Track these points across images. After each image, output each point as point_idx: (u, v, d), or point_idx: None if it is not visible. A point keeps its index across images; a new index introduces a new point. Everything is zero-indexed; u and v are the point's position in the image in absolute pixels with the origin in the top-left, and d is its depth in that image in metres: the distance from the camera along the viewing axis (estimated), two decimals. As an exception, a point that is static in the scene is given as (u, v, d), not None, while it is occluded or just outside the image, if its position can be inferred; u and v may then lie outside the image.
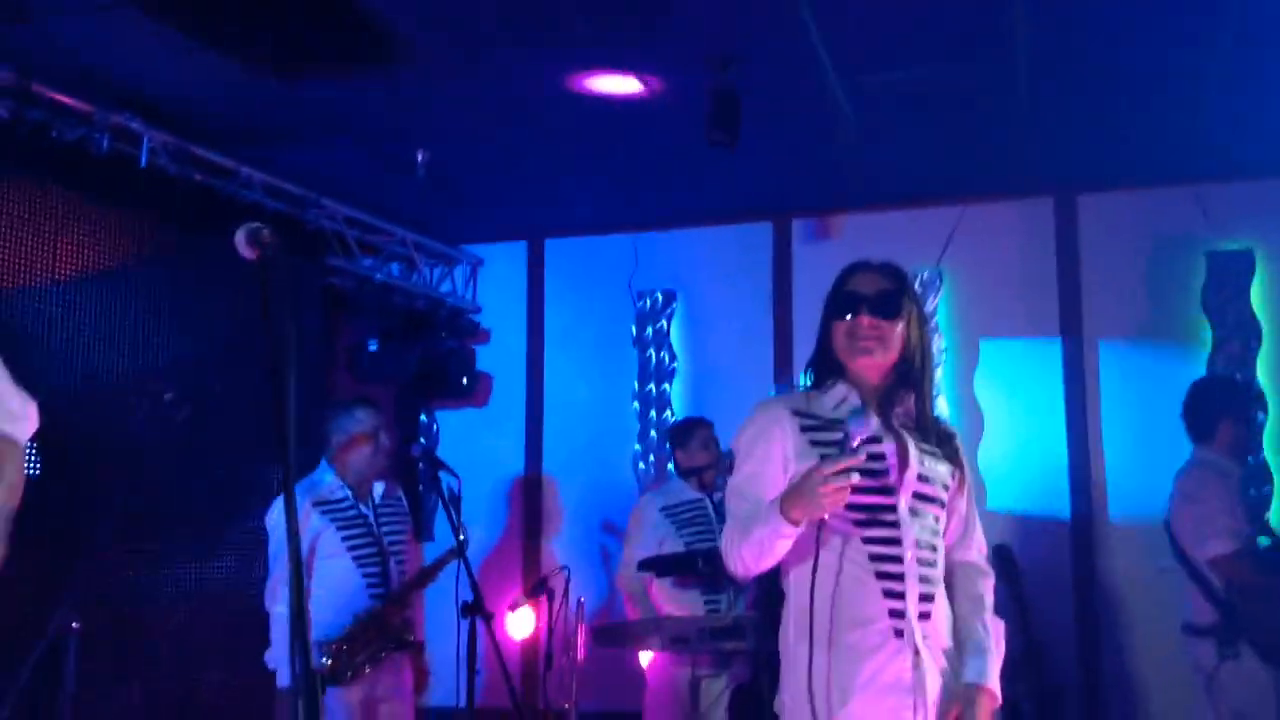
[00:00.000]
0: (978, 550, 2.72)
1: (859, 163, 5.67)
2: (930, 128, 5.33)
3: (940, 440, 2.64)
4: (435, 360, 6.54)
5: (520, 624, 5.57)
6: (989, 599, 2.67)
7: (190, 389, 4.44)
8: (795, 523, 2.38)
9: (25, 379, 3.92)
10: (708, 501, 5.04)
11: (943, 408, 6.09)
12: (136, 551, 4.36)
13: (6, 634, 3.58)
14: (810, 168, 5.90)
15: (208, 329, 4.91)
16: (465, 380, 6.69)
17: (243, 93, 4.64)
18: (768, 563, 2.49)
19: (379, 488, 4.50)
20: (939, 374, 6.14)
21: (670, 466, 5.39)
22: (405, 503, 4.59)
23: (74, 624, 3.43)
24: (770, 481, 2.51)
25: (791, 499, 2.37)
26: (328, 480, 4.40)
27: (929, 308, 6.21)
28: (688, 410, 6.38)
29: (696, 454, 5.10)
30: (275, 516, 4.20)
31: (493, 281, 7.14)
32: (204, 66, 4.27)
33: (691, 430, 5.19)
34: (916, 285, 4.08)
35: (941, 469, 2.58)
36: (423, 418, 6.96)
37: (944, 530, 2.60)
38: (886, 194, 6.25)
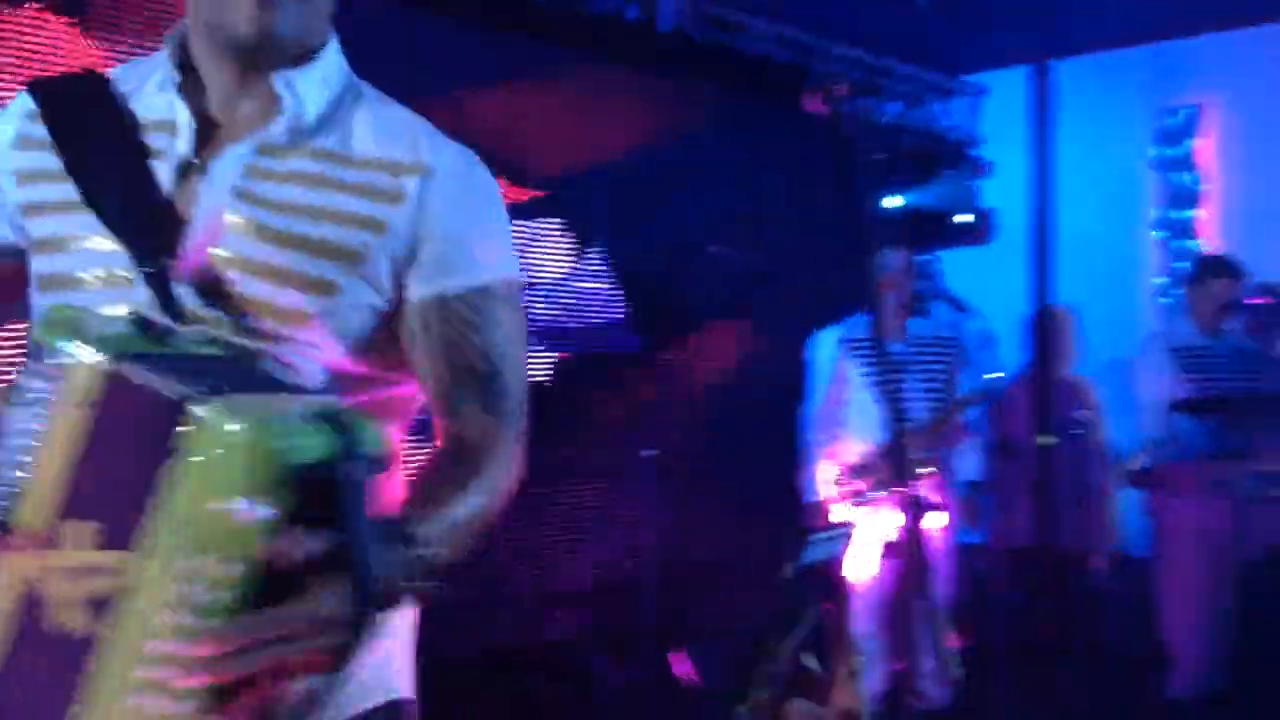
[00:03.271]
0: None
1: None
2: None
3: None
4: (938, 197, 6.42)
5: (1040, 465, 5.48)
6: None
7: (741, 243, 4.73)
8: None
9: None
10: (1216, 348, 4.72)
11: None
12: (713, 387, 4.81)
13: (589, 464, 4.10)
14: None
15: (739, 185, 5.16)
16: (969, 216, 6.53)
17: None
18: None
19: (918, 326, 4.58)
20: None
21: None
22: (950, 345, 4.62)
23: (646, 452, 3.86)
24: None
25: None
26: (860, 320, 4.57)
27: None
28: (1217, 239, 5.85)
29: (1204, 300, 4.72)
30: (816, 352, 4.50)
31: (996, 111, 6.84)
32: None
33: (1207, 275, 4.82)
34: None
35: None
36: (927, 256, 6.91)
37: None
38: None
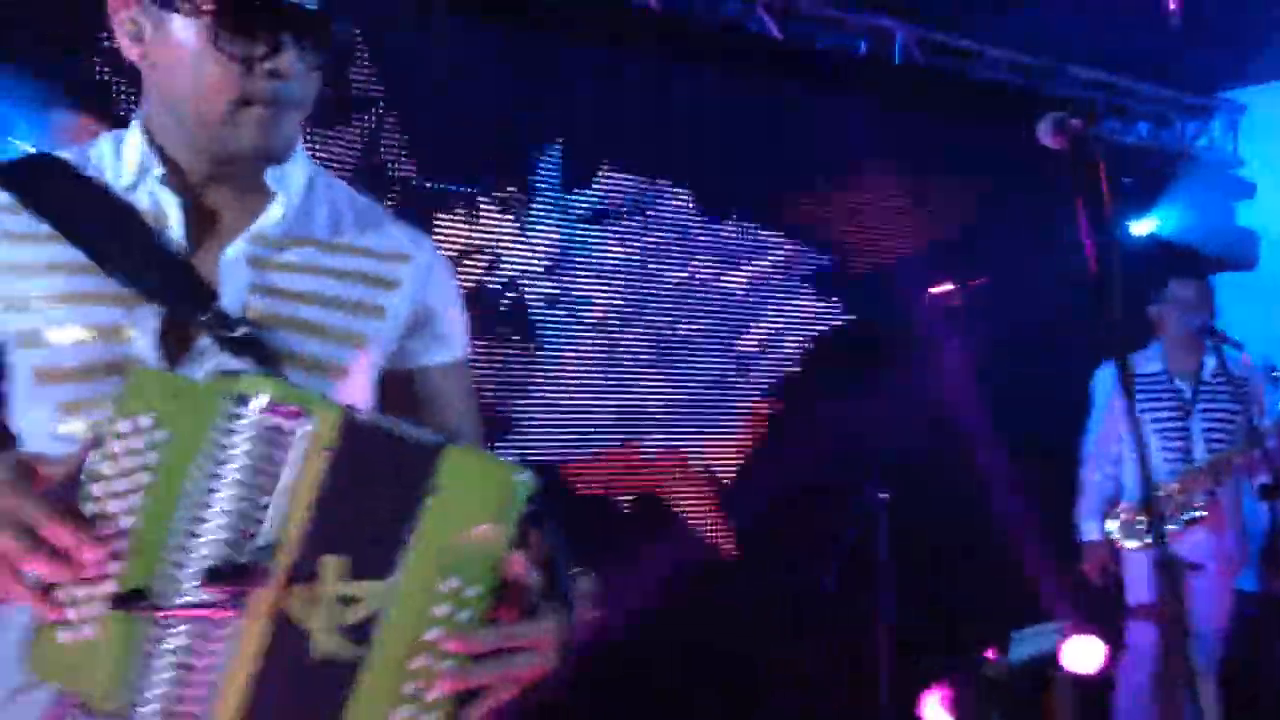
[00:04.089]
0: None
1: None
2: None
3: None
4: (1194, 222, 6.07)
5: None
6: None
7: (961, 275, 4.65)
8: None
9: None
10: None
11: None
12: (940, 428, 4.71)
13: (826, 506, 4.07)
14: None
15: (971, 214, 5.05)
16: (1229, 241, 6.14)
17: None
18: None
19: (1209, 363, 4.28)
20: None
21: None
22: (1243, 384, 4.22)
23: (882, 495, 3.78)
24: None
25: None
26: (1145, 354, 4.33)
27: None
28: None
29: None
30: (1095, 385, 4.32)
31: (1258, 129, 6.41)
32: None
33: None
34: None
35: None
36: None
37: None
38: None
